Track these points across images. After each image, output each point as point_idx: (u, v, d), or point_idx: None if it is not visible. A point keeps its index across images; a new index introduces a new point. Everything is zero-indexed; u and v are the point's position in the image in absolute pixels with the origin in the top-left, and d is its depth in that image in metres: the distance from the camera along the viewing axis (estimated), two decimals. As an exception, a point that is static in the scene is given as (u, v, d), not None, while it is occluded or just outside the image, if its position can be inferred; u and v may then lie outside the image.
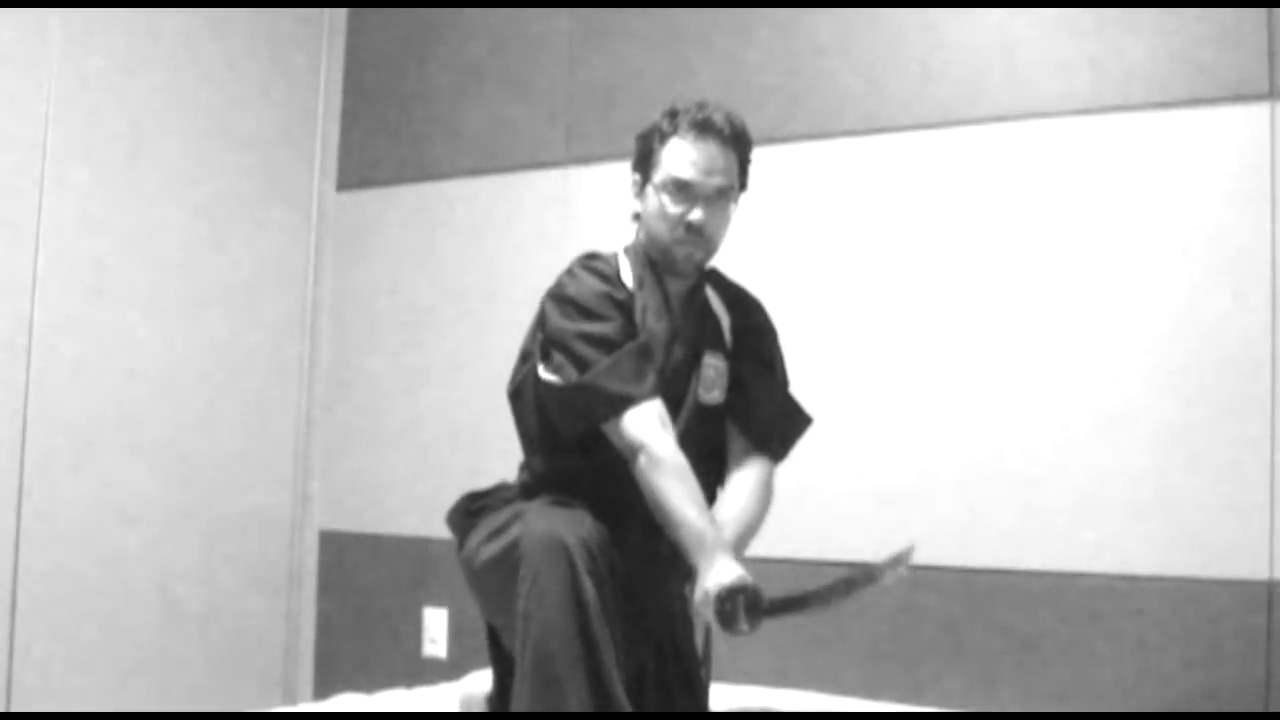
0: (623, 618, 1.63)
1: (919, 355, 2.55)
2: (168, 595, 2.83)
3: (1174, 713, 2.24)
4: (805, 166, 2.68)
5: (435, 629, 3.00)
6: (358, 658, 3.11)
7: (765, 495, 1.84)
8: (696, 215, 1.79)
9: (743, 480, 1.84)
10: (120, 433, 2.74)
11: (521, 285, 2.92)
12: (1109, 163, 2.42)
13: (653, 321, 1.81)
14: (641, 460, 1.69)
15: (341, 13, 3.31)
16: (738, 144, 1.83)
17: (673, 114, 1.82)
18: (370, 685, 2.62)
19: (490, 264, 3.03)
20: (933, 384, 2.52)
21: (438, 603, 3.00)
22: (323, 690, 3.09)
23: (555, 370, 1.76)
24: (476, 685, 2.19)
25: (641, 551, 1.75)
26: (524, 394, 1.87)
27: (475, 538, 1.79)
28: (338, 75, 3.30)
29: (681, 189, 1.79)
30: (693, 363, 1.85)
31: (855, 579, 1.65)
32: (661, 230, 1.81)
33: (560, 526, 1.59)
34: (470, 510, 1.87)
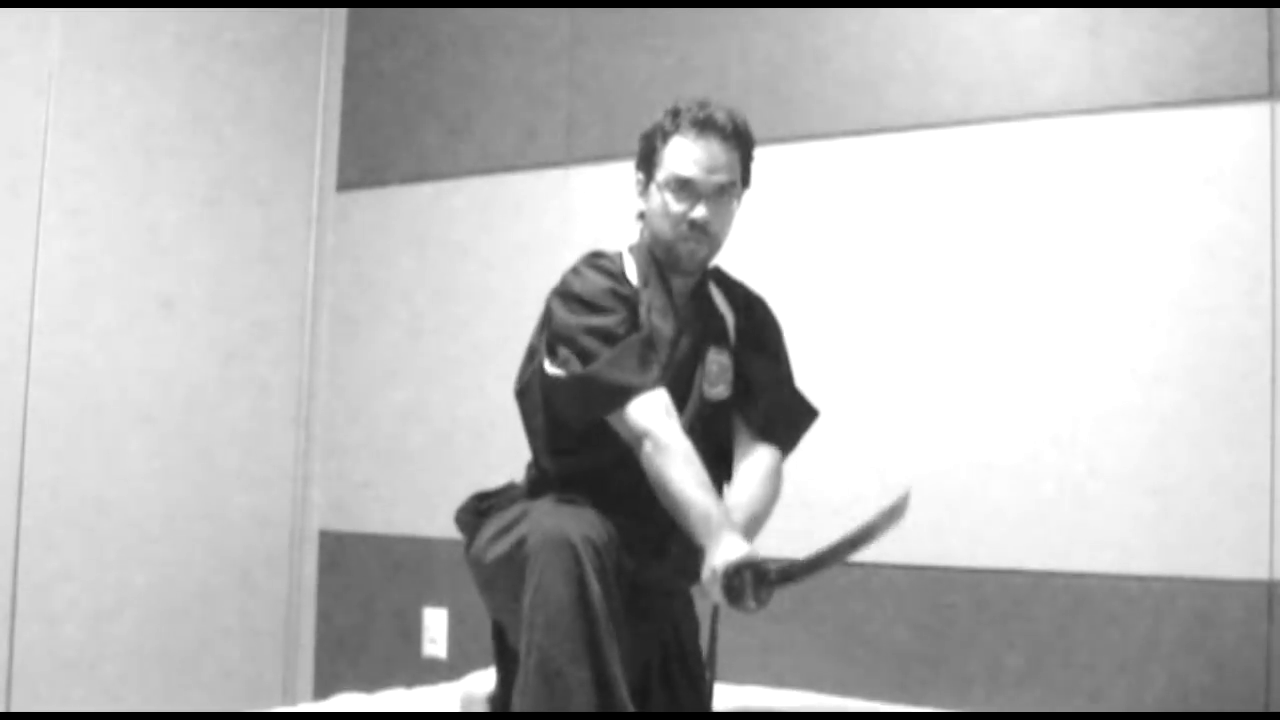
0: (628, 616, 1.63)
1: (919, 355, 2.55)
2: (168, 595, 2.83)
3: (1174, 713, 2.24)
4: (805, 166, 2.67)
5: (435, 629, 3.00)
6: (358, 658, 3.11)
7: (775, 483, 1.85)
8: (700, 212, 1.80)
9: (752, 468, 1.84)
10: (120, 432, 2.74)
11: (521, 285, 2.93)
12: (1109, 163, 2.42)
13: (658, 319, 1.82)
14: (647, 446, 1.69)
15: (341, 13, 3.31)
16: (740, 141, 1.84)
17: (675, 112, 1.83)
18: (370, 685, 2.62)
19: (490, 264, 3.03)
20: (933, 383, 2.52)
21: (438, 603, 3.00)
22: (323, 690, 3.09)
23: (561, 365, 1.77)
24: (477, 685, 2.19)
25: (649, 550, 1.75)
26: (530, 392, 1.87)
27: (483, 536, 1.80)
28: (338, 75, 3.30)
29: (684, 186, 1.80)
30: (698, 359, 1.86)
31: (856, 537, 1.65)
32: (665, 228, 1.82)
33: (567, 524, 1.60)
34: (479, 510, 1.88)
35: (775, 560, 1.64)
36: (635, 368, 1.72)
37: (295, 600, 3.18)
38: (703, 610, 2.04)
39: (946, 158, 2.56)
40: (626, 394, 1.71)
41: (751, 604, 1.59)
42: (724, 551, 1.59)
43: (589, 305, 1.77)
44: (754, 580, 1.59)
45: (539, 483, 1.88)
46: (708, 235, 1.82)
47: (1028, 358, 2.45)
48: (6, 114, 2.52)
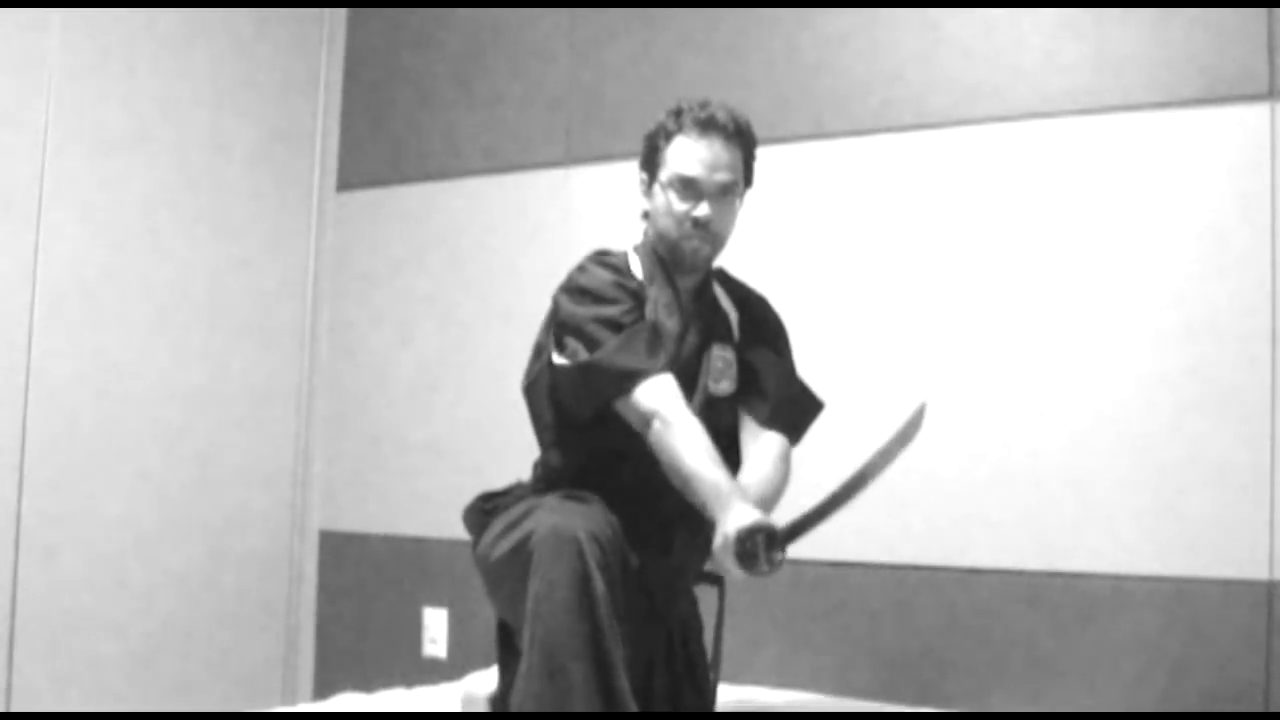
0: (633, 613, 1.63)
1: (918, 354, 2.55)
2: (167, 595, 2.83)
3: (1174, 713, 2.25)
4: (805, 166, 2.68)
5: (435, 629, 3.00)
6: (358, 658, 3.11)
7: (785, 467, 1.86)
8: (703, 211, 1.81)
9: (763, 452, 1.85)
10: (120, 432, 2.74)
11: (521, 285, 2.93)
12: (1109, 162, 2.42)
13: (664, 315, 1.83)
14: (656, 425, 1.69)
15: (341, 13, 3.31)
16: (742, 140, 1.85)
17: (677, 112, 1.85)
18: (370, 685, 2.62)
19: (490, 264, 3.03)
20: (932, 383, 2.52)
21: (438, 603, 3.00)
22: (323, 690, 3.09)
23: (570, 356, 1.77)
24: (478, 685, 2.19)
25: (654, 546, 1.75)
26: (538, 387, 1.88)
27: (490, 533, 1.80)
28: (338, 75, 3.30)
29: (687, 186, 1.82)
30: (702, 355, 1.86)
31: (868, 470, 1.65)
32: (669, 226, 1.84)
33: (572, 520, 1.60)
34: (485, 510, 1.88)
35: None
36: (643, 353, 1.73)
37: (295, 600, 3.18)
38: (706, 610, 2.05)
39: (947, 158, 2.56)
40: (634, 377, 1.71)
41: (765, 567, 1.58)
42: (735, 518, 1.59)
43: (596, 297, 1.78)
44: (766, 543, 1.58)
45: (546, 480, 1.88)
46: (711, 234, 1.84)
47: (1028, 357, 2.45)
48: (6, 114, 2.52)
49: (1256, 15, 2.29)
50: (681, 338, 1.84)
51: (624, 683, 1.55)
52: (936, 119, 2.57)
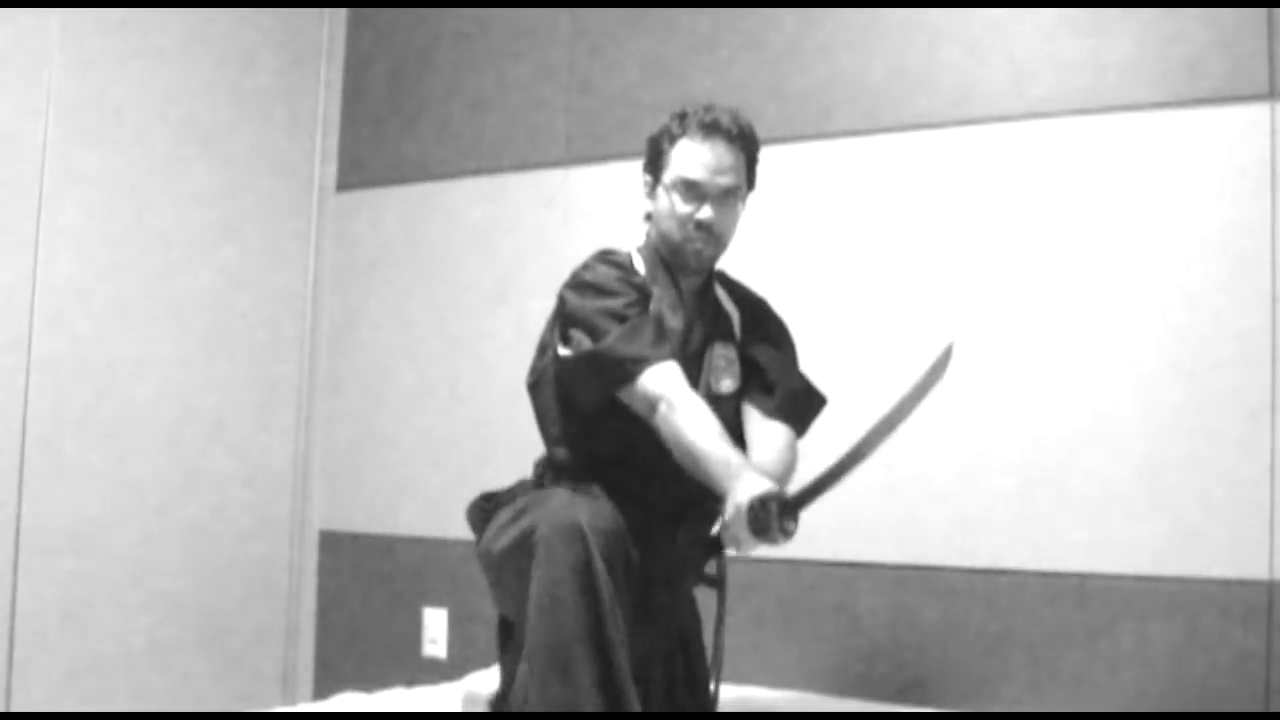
0: (634, 608, 1.63)
1: (918, 355, 2.54)
2: (167, 595, 2.83)
3: (1174, 713, 2.25)
4: (805, 166, 2.67)
5: (435, 629, 3.00)
6: (358, 658, 3.11)
7: (792, 455, 1.87)
8: (706, 214, 1.83)
9: (769, 439, 1.86)
10: (120, 432, 2.74)
11: (521, 285, 2.93)
12: (1109, 163, 2.42)
13: (668, 314, 1.84)
14: (662, 408, 1.69)
15: (341, 13, 3.31)
16: (745, 144, 1.87)
17: (681, 116, 1.87)
18: (370, 685, 2.62)
19: (490, 264, 3.03)
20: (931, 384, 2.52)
21: (438, 603, 3.00)
22: (323, 690, 3.09)
23: (575, 346, 1.78)
24: (480, 684, 2.19)
25: (658, 543, 1.76)
26: (543, 384, 1.89)
27: (492, 527, 1.80)
28: (338, 75, 3.30)
29: (691, 188, 1.83)
30: (705, 355, 1.87)
31: (893, 416, 1.64)
32: (672, 229, 1.85)
33: (577, 512, 1.60)
34: (487, 508, 1.88)
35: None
36: (648, 342, 1.73)
37: (295, 600, 3.18)
38: (706, 613, 2.05)
39: (947, 158, 2.56)
40: (640, 364, 1.71)
41: (778, 536, 1.56)
42: (746, 487, 1.58)
43: (601, 290, 1.79)
44: (779, 512, 1.56)
45: (551, 475, 1.88)
46: (714, 236, 1.85)
47: (1027, 357, 2.45)
48: (6, 114, 2.52)
49: (1256, 15, 2.29)
50: (686, 337, 1.85)
51: (628, 678, 1.55)
52: (936, 119, 2.57)
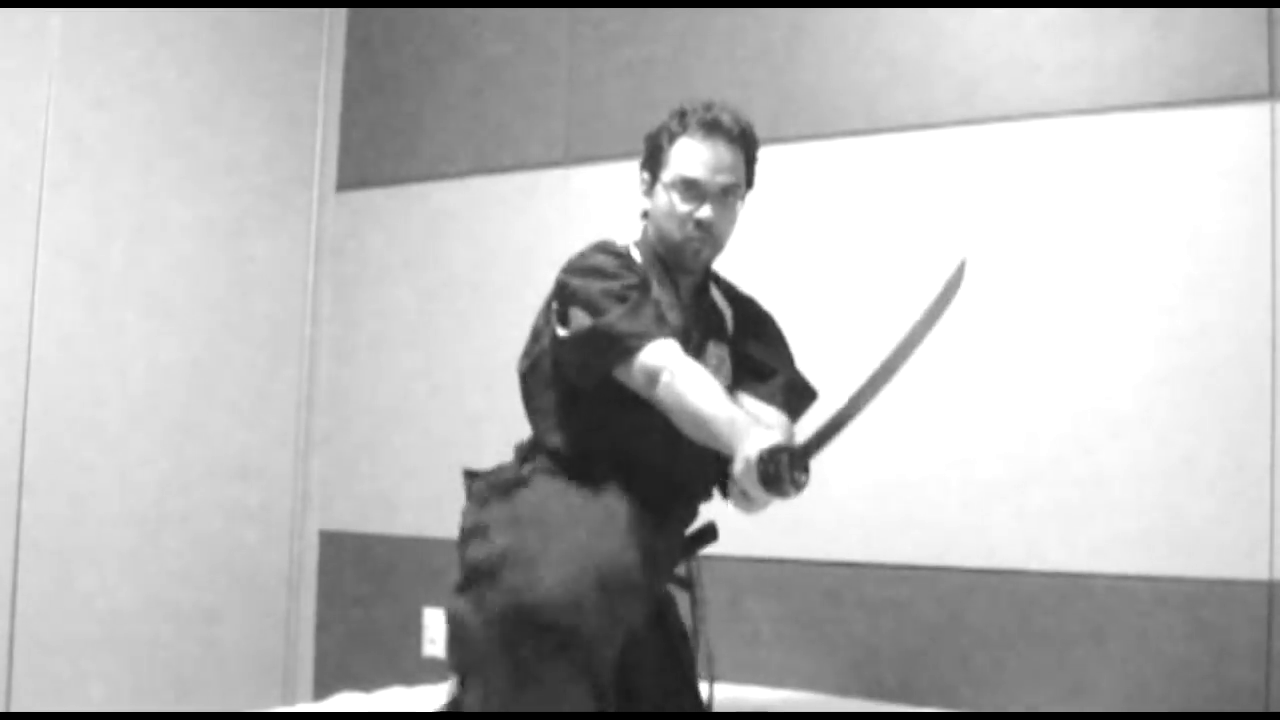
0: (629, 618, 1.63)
1: (919, 355, 2.54)
2: (167, 595, 2.83)
3: (1174, 713, 2.24)
4: (805, 166, 2.68)
5: (435, 629, 3.00)
6: (358, 658, 3.11)
7: (789, 435, 1.86)
8: (705, 213, 1.83)
9: (767, 413, 1.86)
10: (119, 432, 2.74)
11: (521, 285, 2.93)
12: (1109, 163, 2.42)
13: (666, 311, 1.84)
14: (664, 378, 1.66)
15: (341, 13, 3.31)
16: (745, 143, 1.87)
17: (681, 114, 1.86)
18: (370, 685, 2.62)
19: (490, 264, 3.03)
20: (932, 383, 2.52)
21: (438, 603, 3.00)
22: (322, 690, 3.09)
23: (574, 325, 1.76)
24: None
25: (650, 529, 1.75)
26: (539, 369, 1.88)
27: (479, 521, 1.74)
28: (338, 75, 3.30)
29: (690, 187, 1.83)
30: (700, 354, 1.88)
31: (909, 340, 1.61)
32: (671, 227, 1.85)
33: (584, 584, 1.52)
34: (474, 488, 1.86)
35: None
36: (650, 319, 1.72)
37: (295, 600, 3.18)
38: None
39: (947, 157, 2.56)
40: (641, 339, 1.69)
41: (790, 489, 1.53)
42: (755, 441, 1.55)
43: (602, 272, 1.78)
44: (790, 464, 1.53)
45: (538, 462, 1.84)
46: (712, 235, 1.85)
47: (1027, 357, 2.45)
48: (6, 114, 2.52)
49: (1256, 15, 2.29)
50: (685, 336, 1.85)
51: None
52: (937, 119, 2.57)
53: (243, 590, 3.03)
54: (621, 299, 1.74)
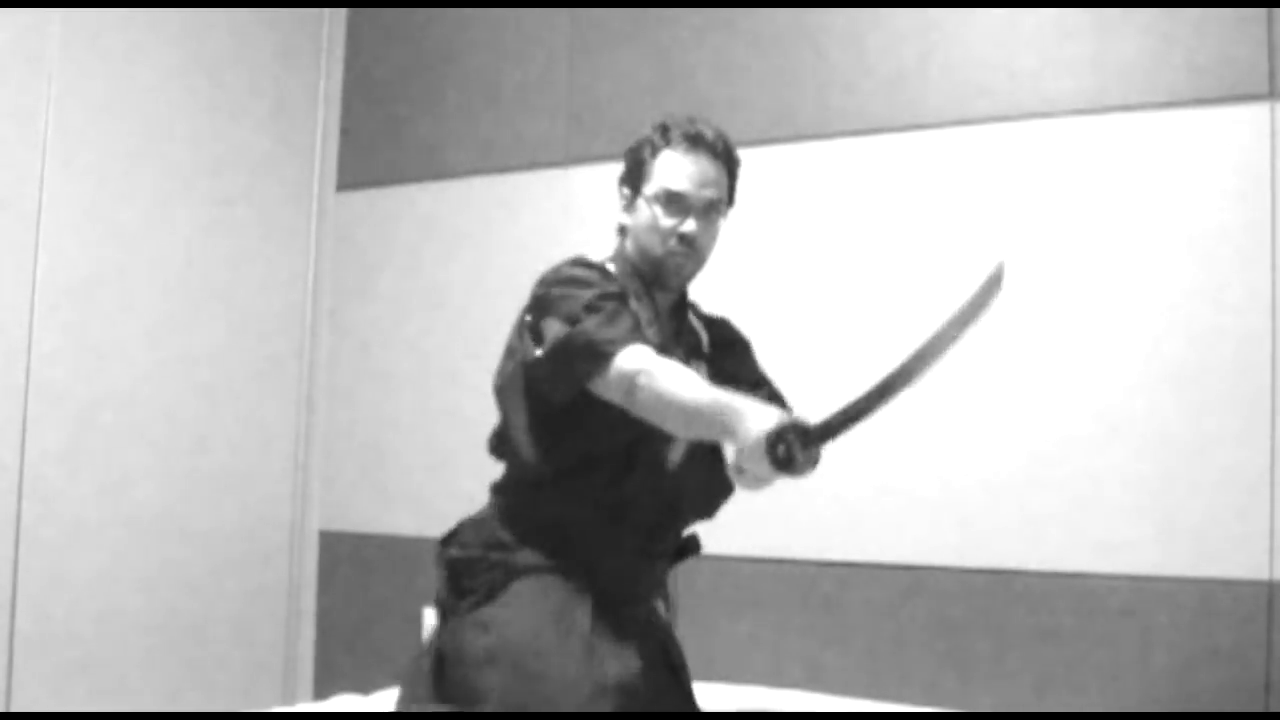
0: (615, 637, 1.63)
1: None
2: (167, 595, 2.83)
3: (1174, 713, 2.24)
4: (804, 167, 2.67)
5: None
6: (357, 658, 3.11)
7: None
8: (689, 227, 1.78)
9: None
10: (119, 432, 2.74)
11: (521, 285, 2.89)
12: (1109, 163, 2.42)
13: (645, 329, 1.81)
14: (641, 380, 1.59)
15: (341, 13, 3.31)
16: (728, 159, 1.84)
17: (664, 127, 1.83)
18: (370, 685, 2.62)
19: (490, 264, 3.03)
20: (932, 384, 2.52)
21: (438, 603, 3.00)
22: (322, 690, 3.09)
23: (548, 334, 1.72)
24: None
25: (630, 552, 1.74)
26: (512, 387, 1.85)
27: (465, 626, 1.74)
28: (338, 75, 3.30)
29: (674, 201, 1.79)
30: None
31: (939, 340, 1.53)
32: (654, 242, 1.81)
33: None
34: (449, 557, 1.85)
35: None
36: (627, 328, 1.66)
37: (295, 600, 3.18)
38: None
39: (946, 158, 2.56)
40: (615, 344, 1.63)
41: (805, 466, 1.44)
42: (758, 422, 1.46)
43: (579, 282, 1.74)
44: (800, 441, 1.43)
45: (516, 507, 1.83)
46: (695, 250, 1.81)
47: (1028, 357, 2.45)
48: (6, 114, 2.52)
49: (1256, 15, 2.29)
50: (665, 352, 1.82)
51: None
52: (936, 119, 2.57)
53: (243, 590, 3.03)
54: (597, 309, 1.69)
